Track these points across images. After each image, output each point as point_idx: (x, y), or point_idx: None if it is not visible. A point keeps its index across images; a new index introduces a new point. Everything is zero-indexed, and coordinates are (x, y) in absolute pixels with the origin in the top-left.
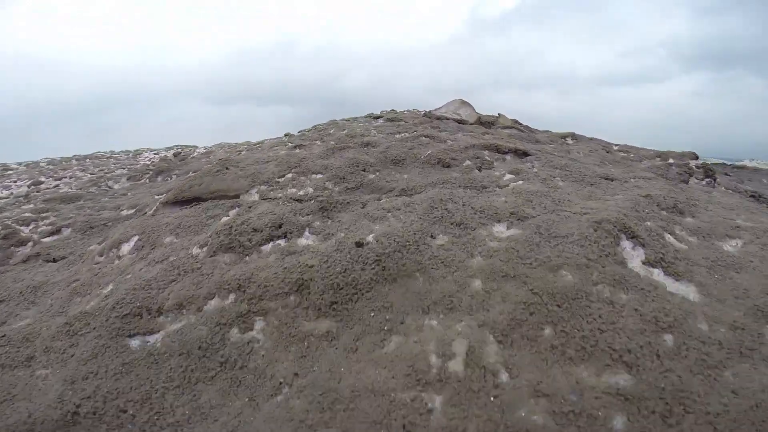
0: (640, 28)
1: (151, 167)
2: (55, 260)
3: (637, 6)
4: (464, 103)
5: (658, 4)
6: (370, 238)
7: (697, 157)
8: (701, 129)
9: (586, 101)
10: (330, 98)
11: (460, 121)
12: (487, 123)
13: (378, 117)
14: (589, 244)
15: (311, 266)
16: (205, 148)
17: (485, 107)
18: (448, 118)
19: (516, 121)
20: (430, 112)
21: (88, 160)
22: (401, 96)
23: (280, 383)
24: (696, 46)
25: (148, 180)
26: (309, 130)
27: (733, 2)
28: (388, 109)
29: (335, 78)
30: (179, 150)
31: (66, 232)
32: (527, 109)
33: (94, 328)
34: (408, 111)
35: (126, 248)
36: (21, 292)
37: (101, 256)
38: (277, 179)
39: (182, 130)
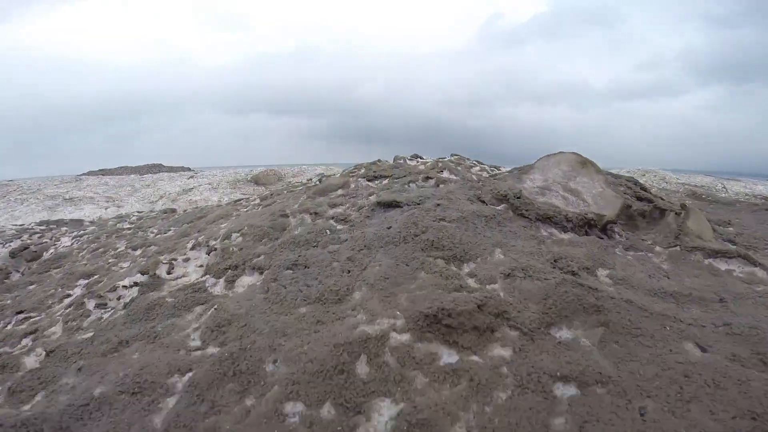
0: (654, 41)
1: None
2: None
3: (650, 19)
4: (581, 163)
5: (670, 17)
6: None
7: None
8: (720, 143)
9: (601, 115)
10: (345, 108)
11: (588, 223)
12: (645, 217)
13: (391, 204)
14: None
15: None
16: (70, 245)
17: (499, 118)
18: (559, 211)
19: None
20: (520, 193)
21: None
22: (415, 106)
23: None
24: (712, 58)
25: None
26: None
27: (747, 14)
28: (409, 157)
29: (350, 89)
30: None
31: None
32: (542, 123)
33: None
34: (451, 175)
35: None
36: None
37: None
38: None
39: (199, 140)
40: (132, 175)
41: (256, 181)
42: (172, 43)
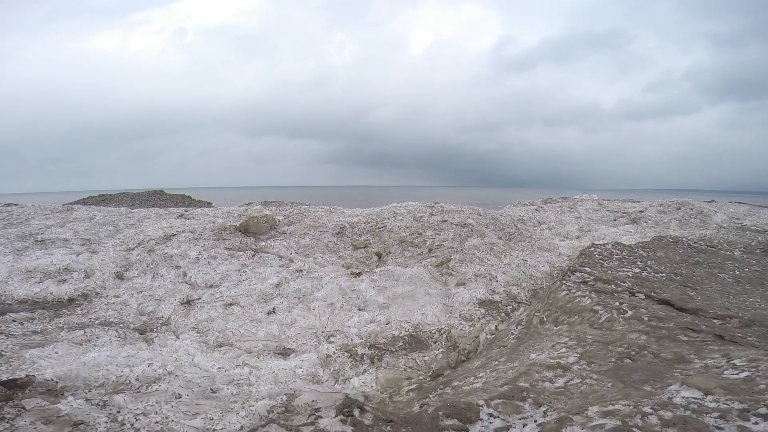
0: (662, 62)
1: None
2: None
3: (658, 41)
4: None
5: (676, 37)
6: None
7: None
8: (732, 161)
9: (612, 136)
10: (357, 133)
11: None
12: None
13: None
14: None
15: None
16: None
17: (510, 141)
18: None
19: None
20: None
21: None
22: (426, 131)
23: None
24: (720, 77)
25: None
26: None
27: (751, 33)
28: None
29: (362, 114)
30: None
31: None
32: (553, 145)
33: None
34: None
35: None
36: None
37: None
38: None
39: (215, 160)
40: (122, 208)
41: (245, 229)
42: (198, 65)
